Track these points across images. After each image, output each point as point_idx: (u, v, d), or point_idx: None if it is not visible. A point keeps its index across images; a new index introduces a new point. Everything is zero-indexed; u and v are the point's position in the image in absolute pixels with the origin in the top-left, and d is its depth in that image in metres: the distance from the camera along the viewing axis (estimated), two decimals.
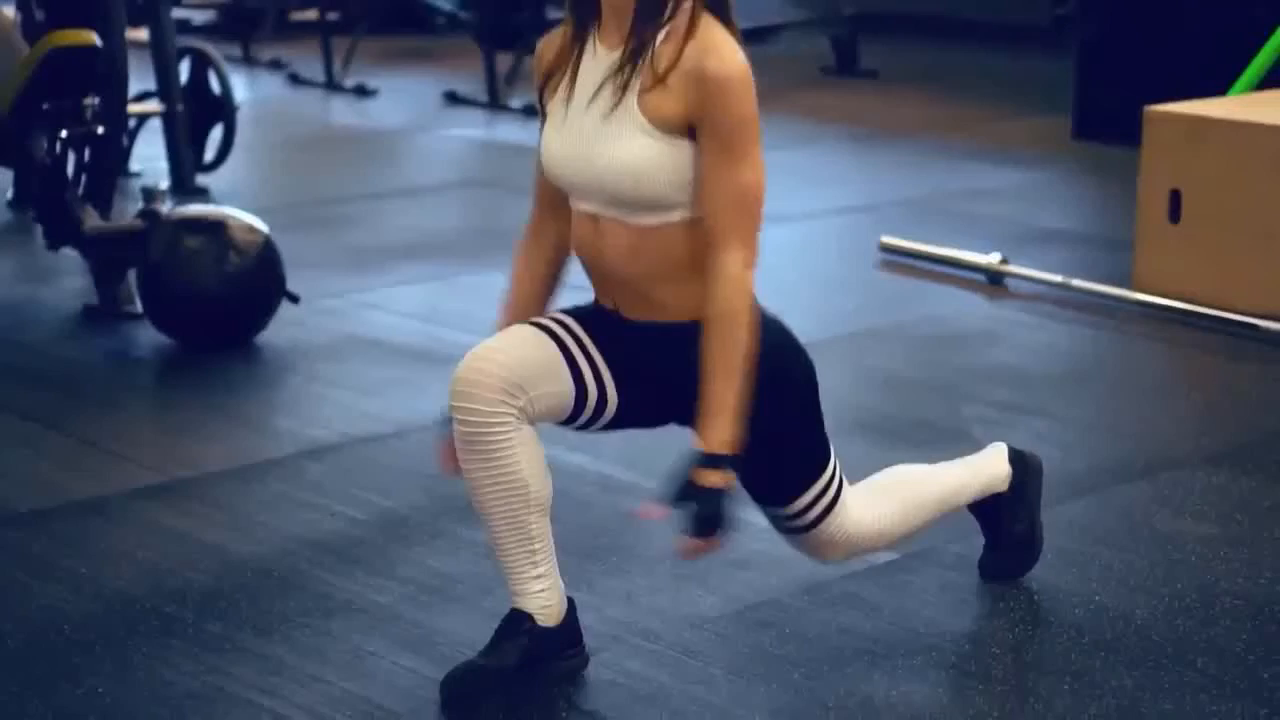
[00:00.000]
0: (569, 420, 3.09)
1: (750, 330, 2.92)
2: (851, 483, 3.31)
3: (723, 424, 2.90)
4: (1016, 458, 3.56)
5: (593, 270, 3.09)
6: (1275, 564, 3.68)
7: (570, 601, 3.15)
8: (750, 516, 3.87)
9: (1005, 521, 3.54)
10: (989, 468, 3.52)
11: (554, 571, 3.11)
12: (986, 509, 3.54)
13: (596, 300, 3.13)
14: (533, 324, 3.06)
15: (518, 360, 2.96)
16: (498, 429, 2.95)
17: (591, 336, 3.07)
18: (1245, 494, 4.06)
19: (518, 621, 3.09)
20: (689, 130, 2.91)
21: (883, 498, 3.35)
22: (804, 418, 3.15)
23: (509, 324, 3.13)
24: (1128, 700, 3.11)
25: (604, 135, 2.93)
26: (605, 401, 3.06)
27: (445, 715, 3.05)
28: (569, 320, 3.09)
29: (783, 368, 3.08)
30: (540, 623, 3.08)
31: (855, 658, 3.27)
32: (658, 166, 2.91)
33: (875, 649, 3.31)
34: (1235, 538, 3.82)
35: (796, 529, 3.25)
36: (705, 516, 2.92)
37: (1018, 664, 3.26)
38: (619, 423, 3.14)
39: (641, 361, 3.07)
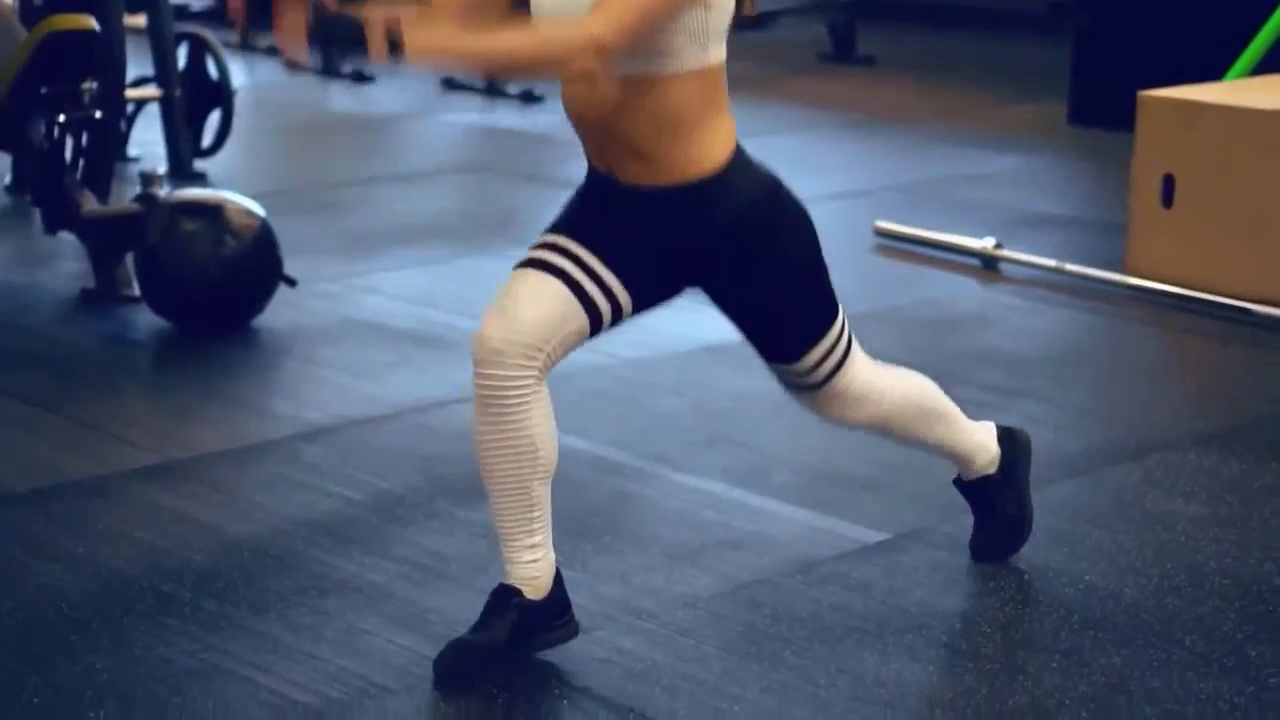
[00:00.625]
0: (593, 337, 3.14)
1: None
2: None
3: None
4: (1005, 437, 3.58)
5: (584, 129, 3.08)
6: (1264, 544, 3.71)
7: (558, 572, 3.18)
8: (744, 498, 3.92)
9: (994, 502, 3.56)
10: (980, 435, 3.54)
11: (548, 543, 3.15)
12: (975, 489, 3.56)
13: (590, 169, 3.14)
14: (536, 266, 3.07)
15: (532, 320, 3.01)
16: (515, 393, 3.02)
17: (591, 245, 3.07)
18: (1235, 475, 4.09)
19: (506, 596, 3.12)
20: None
21: (891, 376, 3.37)
22: (807, 268, 3.16)
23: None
24: (1116, 678, 3.14)
25: None
26: (619, 309, 3.10)
27: (439, 691, 3.08)
28: (566, 242, 3.08)
29: (779, 222, 3.10)
30: (528, 596, 3.12)
31: (846, 636, 3.30)
32: None
33: (866, 627, 3.33)
34: (1225, 518, 3.85)
35: (807, 386, 3.27)
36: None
37: (1007, 642, 3.29)
38: (638, 312, 3.17)
39: (643, 237, 3.08)
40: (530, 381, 3.02)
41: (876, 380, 3.33)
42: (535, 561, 3.13)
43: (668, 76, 2.96)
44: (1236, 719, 3.00)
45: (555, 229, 3.13)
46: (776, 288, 3.12)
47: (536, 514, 3.11)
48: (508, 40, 2.94)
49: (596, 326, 3.09)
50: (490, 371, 3.01)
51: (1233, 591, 3.49)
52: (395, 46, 2.80)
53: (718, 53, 3.01)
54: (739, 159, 3.08)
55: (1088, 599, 3.45)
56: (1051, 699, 3.07)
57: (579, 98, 3.03)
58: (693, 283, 3.17)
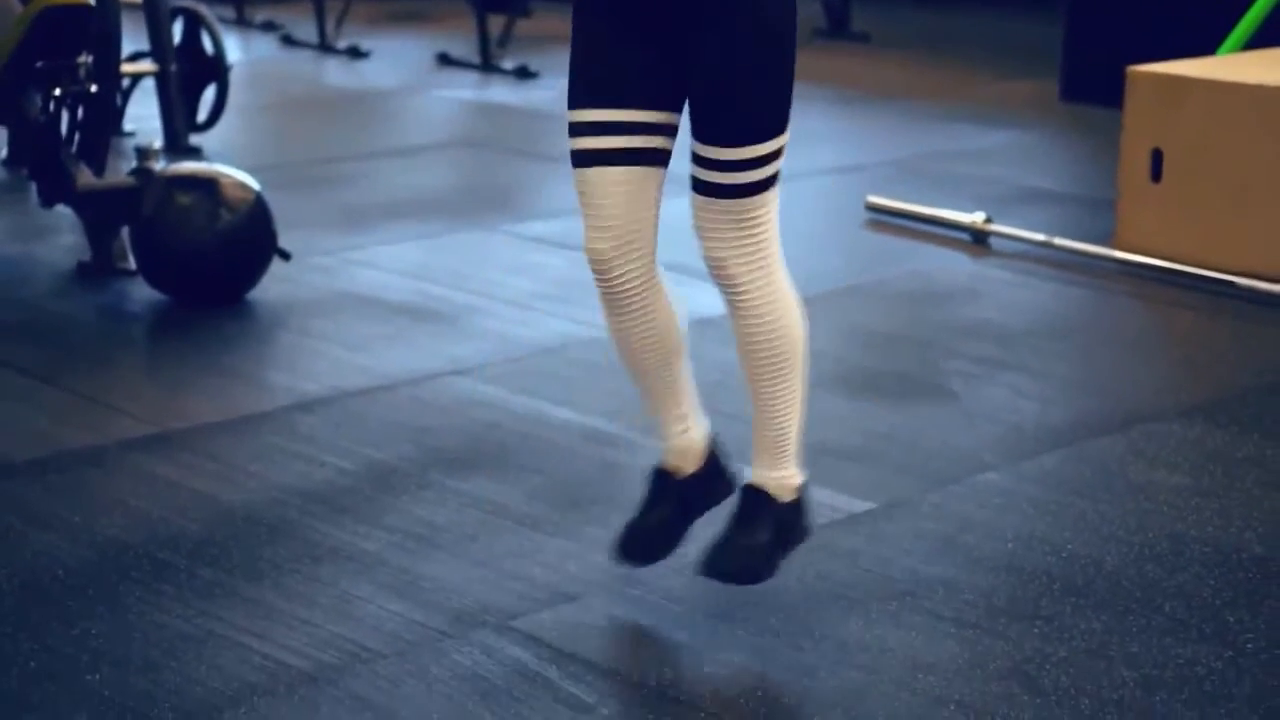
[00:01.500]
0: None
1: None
2: None
3: None
4: (805, 502, 3.36)
5: None
6: (1245, 513, 3.76)
7: (710, 438, 3.39)
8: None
9: (761, 523, 3.28)
10: (792, 449, 3.31)
11: (695, 412, 3.36)
12: (756, 497, 3.30)
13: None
14: (590, 162, 3.10)
15: (620, 218, 3.12)
16: (633, 288, 3.17)
17: (613, 99, 3.08)
18: (1219, 446, 4.14)
19: (663, 478, 3.36)
20: None
21: (792, 297, 3.22)
22: (780, 49, 3.06)
23: None
24: (1096, 643, 3.19)
25: None
26: (673, 129, 3.15)
27: (441, 644, 3.13)
28: (594, 115, 3.09)
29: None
30: (682, 473, 3.34)
31: (831, 603, 3.35)
32: None
33: (851, 594, 3.39)
34: (1207, 488, 3.90)
35: (733, 188, 3.06)
36: None
37: (990, 609, 3.34)
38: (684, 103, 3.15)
39: (651, 27, 3.06)
40: (642, 271, 3.16)
41: (779, 258, 3.17)
42: (685, 432, 3.33)
43: None
44: (1213, 683, 3.05)
45: (578, 103, 3.12)
46: (745, 53, 3.00)
47: (679, 389, 3.31)
48: None
49: (667, 161, 3.16)
50: (605, 275, 3.15)
51: (1213, 559, 3.54)
52: None
53: None
54: None
55: (1069, 567, 3.50)
56: (1031, 663, 3.12)
57: None
58: (683, 49, 3.06)
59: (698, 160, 3.10)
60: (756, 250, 3.12)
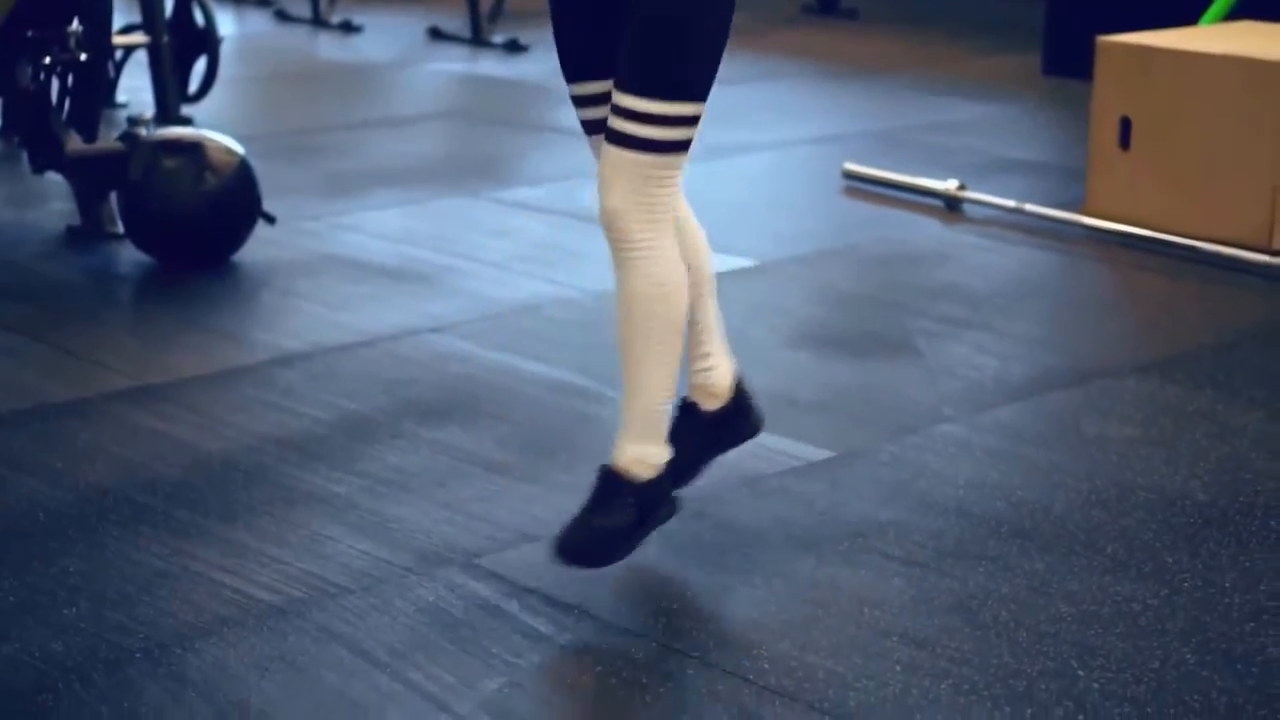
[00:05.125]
0: None
1: None
2: None
3: None
4: (669, 473, 3.31)
5: None
6: (1191, 463, 3.88)
7: (735, 372, 3.47)
8: None
9: (616, 502, 3.26)
10: (660, 410, 3.27)
11: (721, 351, 3.45)
12: (612, 480, 3.28)
13: None
14: (594, 130, 3.25)
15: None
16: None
17: (597, 69, 3.21)
18: (1171, 400, 4.26)
19: (689, 410, 3.44)
20: None
21: (681, 240, 3.27)
22: (712, 21, 3.09)
23: None
24: (1038, 581, 3.31)
25: None
26: None
27: (406, 580, 3.25)
28: (586, 88, 3.25)
29: None
30: (704, 407, 3.44)
31: (785, 544, 3.47)
32: None
33: (805, 536, 3.50)
34: (1156, 439, 4.01)
35: (639, 141, 3.08)
36: None
37: (938, 550, 3.45)
38: None
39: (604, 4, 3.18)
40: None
41: (670, 237, 3.17)
42: (709, 370, 3.43)
43: None
44: (1148, 618, 3.17)
45: (569, 78, 3.27)
46: (664, 9, 3.03)
47: (703, 328, 3.39)
48: None
49: None
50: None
51: (1157, 505, 3.66)
52: None
53: None
54: None
55: (1018, 511, 3.62)
56: (974, 599, 3.23)
57: None
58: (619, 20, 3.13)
59: (613, 109, 3.11)
60: (652, 210, 3.12)
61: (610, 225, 3.13)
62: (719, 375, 3.46)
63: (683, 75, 3.08)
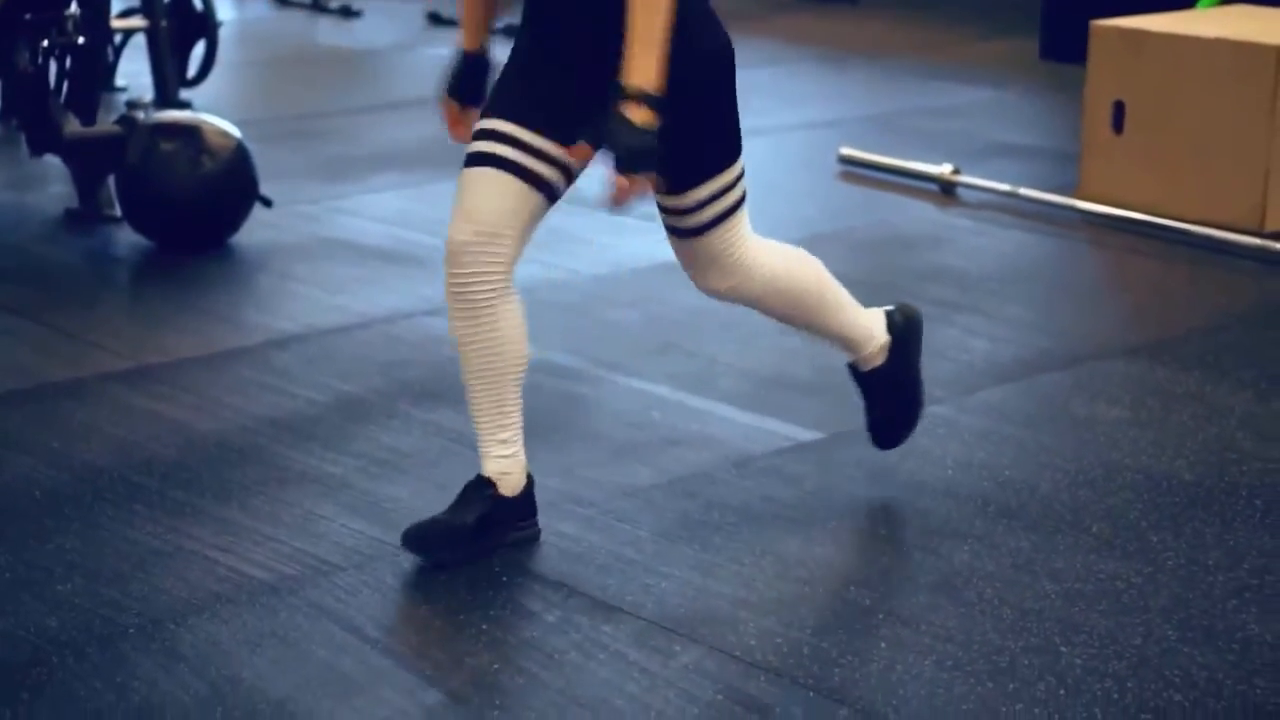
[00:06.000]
0: (552, 205, 3.27)
1: None
2: None
3: (646, 57, 3.01)
4: (896, 322, 3.65)
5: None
6: (1178, 444, 3.91)
7: (529, 478, 3.38)
8: (689, 401, 4.12)
9: (885, 390, 3.65)
10: (866, 321, 3.59)
11: (518, 442, 3.34)
12: (867, 377, 3.65)
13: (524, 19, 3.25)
14: (482, 162, 3.21)
15: (491, 212, 3.18)
16: (485, 289, 3.20)
17: (525, 119, 3.19)
18: (1159, 382, 4.29)
19: (481, 486, 3.33)
20: None
21: (777, 254, 3.42)
22: (717, 94, 3.21)
23: (467, 35, 3.41)
24: (1023, 559, 3.35)
25: None
26: (570, 171, 3.23)
27: (398, 559, 3.28)
28: (503, 126, 3.20)
29: (696, 40, 3.16)
30: (500, 490, 3.32)
31: (773, 522, 3.50)
32: None
33: (793, 515, 3.54)
34: (1144, 420, 4.04)
35: (688, 230, 3.29)
36: (633, 149, 3.01)
37: (925, 528, 3.49)
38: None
39: (570, 66, 3.18)
40: (498, 277, 3.20)
41: (758, 254, 3.37)
42: (506, 458, 3.33)
43: None
44: (1131, 595, 3.20)
45: (489, 112, 3.25)
46: (682, 108, 3.12)
47: (509, 410, 3.31)
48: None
49: (553, 196, 3.25)
50: (458, 270, 3.20)
51: (1143, 485, 3.69)
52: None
53: None
54: None
55: (1004, 491, 3.65)
56: (960, 576, 3.27)
57: None
58: (601, 97, 3.17)
59: (659, 208, 3.31)
60: (734, 268, 3.35)
61: (729, 298, 3.41)
62: (514, 465, 3.33)
63: (705, 160, 3.24)
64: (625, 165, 3.01)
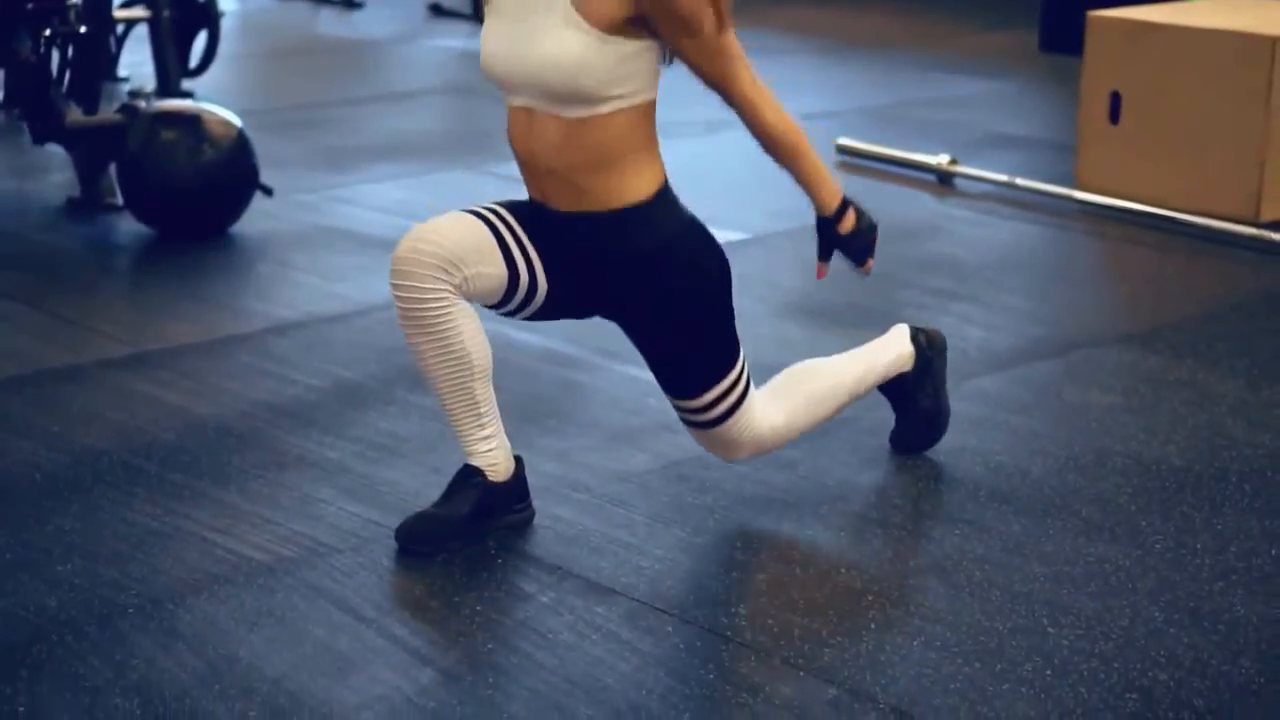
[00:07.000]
0: (501, 303, 3.31)
1: (782, 112, 3.31)
2: (760, 385, 3.55)
3: (824, 189, 3.37)
4: (919, 336, 3.77)
5: (525, 163, 3.28)
6: (1169, 430, 3.94)
7: (519, 460, 3.42)
8: None
9: (911, 397, 3.75)
10: (891, 350, 3.72)
11: (500, 432, 3.37)
12: (892, 386, 3.76)
13: (530, 196, 3.34)
14: (469, 210, 3.28)
15: (454, 240, 3.19)
16: (434, 304, 3.20)
17: (524, 227, 3.29)
18: (1152, 370, 4.32)
19: (469, 475, 3.35)
20: (635, 23, 3.11)
21: (787, 398, 3.56)
22: (715, 309, 3.35)
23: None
24: (1013, 543, 3.38)
25: (538, 31, 3.14)
26: (536, 287, 3.29)
27: (399, 552, 3.32)
28: (503, 210, 3.31)
29: (697, 257, 3.30)
30: (490, 478, 3.35)
31: (767, 507, 3.54)
32: (589, 63, 3.10)
33: (787, 499, 3.57)
34: (1136, 407, 4.07)
35: (703, 424, 3.44)
36: (865, 245, 3.46)
37: (916, 513, 3.52)
38: (548, 310, 3.35)
39: (569, 253, 3.28)
40: (446, 295, 3.18)
41: (771, 416, 3.50)
42: (492, 450, 3.35)
43: (611, 113, 3.15)
44: (1119, 578, 3.24)
45: (500, 203, 3.31)
46: (683, 325, 3.31)
47: (484, 409, 3.32)
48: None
49: (513, 287, 3.25)
50: (403, 283, 3.18)
51: (1133, 470, 3.72)
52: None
53: (655, 88, 3.22)
54: (665, 194, 3.26)
55: (995, 476, 3.68)
56: (950, 559, 3.30)
57: (522, 137, 3.23)
58: (605, 309, 3.36)
59: (676, 408, 3.47)
60: (751, 442, 3.49)
61: (758, 453, 3.55)
62: (500, 455, 3.35)
63: (716, 361, 3.38)
64: (864, 257, 3.47)
